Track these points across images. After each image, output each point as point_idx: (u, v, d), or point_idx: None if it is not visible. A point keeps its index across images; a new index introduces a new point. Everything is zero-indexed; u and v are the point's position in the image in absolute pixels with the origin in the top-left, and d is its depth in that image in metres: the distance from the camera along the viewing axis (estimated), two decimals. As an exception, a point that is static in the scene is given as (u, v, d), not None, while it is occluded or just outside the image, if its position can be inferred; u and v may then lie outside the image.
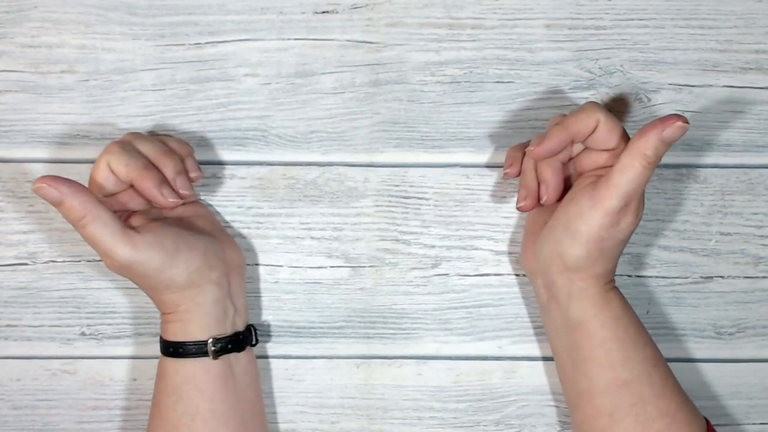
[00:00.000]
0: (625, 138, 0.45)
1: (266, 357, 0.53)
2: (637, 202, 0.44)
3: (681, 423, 0.45)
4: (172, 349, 0.46)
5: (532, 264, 0.49)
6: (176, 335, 0.46)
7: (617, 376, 0.45)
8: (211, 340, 0.46)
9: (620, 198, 0.43)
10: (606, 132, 0.45)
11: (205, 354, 0.46)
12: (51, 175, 0.42)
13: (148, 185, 0.45)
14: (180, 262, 0.45)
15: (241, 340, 0.48)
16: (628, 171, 0.42)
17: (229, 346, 0.47)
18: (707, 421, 0.47)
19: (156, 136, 0.50)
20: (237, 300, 0.49)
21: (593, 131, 0.45)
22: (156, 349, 0.52)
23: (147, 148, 0.46)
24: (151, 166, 0.46)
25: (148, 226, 0.45)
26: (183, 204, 0.49)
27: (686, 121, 0.41)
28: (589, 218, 0.44)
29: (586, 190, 0.45)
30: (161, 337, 0.47)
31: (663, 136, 0.41)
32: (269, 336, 0.53)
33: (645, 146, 0.42)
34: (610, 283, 0.47)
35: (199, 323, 0.46)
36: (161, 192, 0.45)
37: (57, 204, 0.42)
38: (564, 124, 0.45)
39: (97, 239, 0.43)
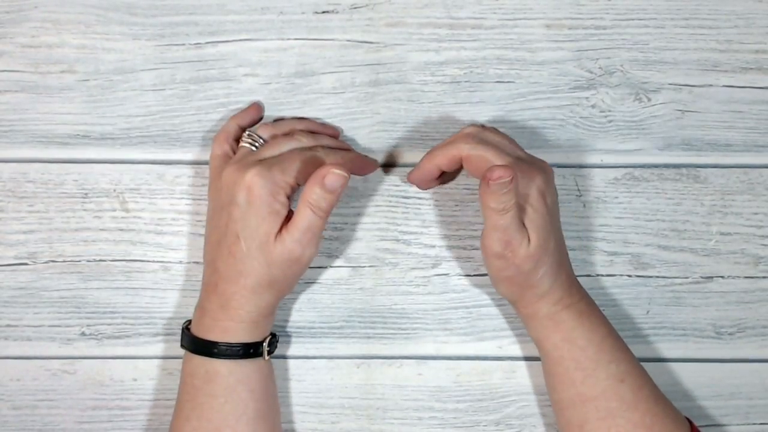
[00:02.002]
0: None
1: (266, 357, 0.53)
2: (519, 236, 0.44)
3: None
4: (229, 350, 0.46)
5: None
6: (241, 337, 0.46)
7: (579, 392, 0.45)
8: (267, 341, 0.47)
9: (496, 242, 0.44)
10: (472, 169, 0.46)
11: (260, 354, 0.47)
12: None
13: (360, 160, 0.49)
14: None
15: (278, 339, 0.50)
16: (489, 219, 0.44)
17: (277, 344, 0.49)
18: (691, 424, 0.47)
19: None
20: None
21: (459, 165, 0.47)
22: (156, 349, 0.52)
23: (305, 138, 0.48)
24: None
25: None
26: None
27: (502, 175, 0.41)
28: (488, 265, 0.46)
29: (480, 238, 0.46)
30: (210, 341, 0.46)
31: (492, 190, 0.42)
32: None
33: (487, 201, 0.43)
34: (561, 302, 0.46)
35: (266, 327, 0.48)
36: (367, 161, 0.50)
37: (332, 192, 0.44)
38: (431, 154, 0.47)
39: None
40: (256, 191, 0.43)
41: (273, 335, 0.48)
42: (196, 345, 0.46)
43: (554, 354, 0.46)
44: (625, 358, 0.46)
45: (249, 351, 0.46)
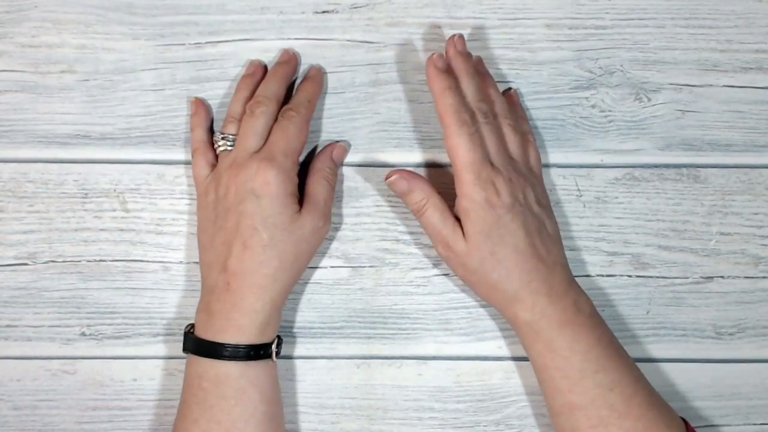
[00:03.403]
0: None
1: (266, 357, 0.53)
2: (452, 232, 0.46)
3: None
4: (240, 352, 0.45)
5: None
6: (253, 338, 0.46)
7: (567, 401, 0.45)
8: (275, 342, 0.47)
9: (436, 244, 0.47)
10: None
11: (269, 356, 0.47)
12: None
13: None
14: None
15: (282, 341, 0.50)
16: (420, 222, 0.47)
17: (281, 346, 0.49)
18: (686, 424, 0.46)
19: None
20: None
21: None
22: (156, 349, 0.52)
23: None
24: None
25: None
26: None
27: (392, 180, 0.47)
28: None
29: None
30: (219, 343, 0.46)
31: (391, 190, 0.48)
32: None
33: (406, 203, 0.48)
34: (536, 310, 0.45)
35: (275, 326, 0.48)
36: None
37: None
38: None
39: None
40: (273, 182, 0.45)
41: (278, 337, 0.48)
42: (204, 347, 0.46)
43: (539, 362, 0.46)
44: (615, 366, 0.45)
45: (259, 352, 0.46)
